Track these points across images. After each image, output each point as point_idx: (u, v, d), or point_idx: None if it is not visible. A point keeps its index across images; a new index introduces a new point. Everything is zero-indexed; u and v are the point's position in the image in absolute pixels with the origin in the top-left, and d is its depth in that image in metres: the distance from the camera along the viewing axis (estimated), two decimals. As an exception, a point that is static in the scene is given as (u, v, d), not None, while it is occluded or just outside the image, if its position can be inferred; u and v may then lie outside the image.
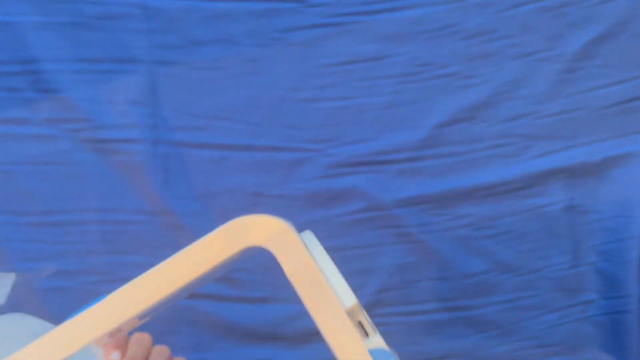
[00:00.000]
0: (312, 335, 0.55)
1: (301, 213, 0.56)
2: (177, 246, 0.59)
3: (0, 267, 0.54)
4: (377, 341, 0.28)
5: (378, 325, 0.56)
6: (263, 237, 0.27)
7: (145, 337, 0.36)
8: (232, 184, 0.56)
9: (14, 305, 0.53)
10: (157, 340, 0.38)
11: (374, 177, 0.57)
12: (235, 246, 0.27)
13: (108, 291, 0.49)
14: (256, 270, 0.55)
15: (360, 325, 0.29)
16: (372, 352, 0.25)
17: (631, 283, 0.56)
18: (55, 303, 0.54)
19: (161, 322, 0.54)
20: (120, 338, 0.34)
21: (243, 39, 0.57)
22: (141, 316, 0.30)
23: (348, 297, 0.29)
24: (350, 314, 0.28)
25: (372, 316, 0.55)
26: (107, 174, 0.55)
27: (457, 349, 0.55)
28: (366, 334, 0.28)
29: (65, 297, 0.54)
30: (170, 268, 0.28)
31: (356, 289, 0.56)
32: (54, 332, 0.27)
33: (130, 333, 0.35)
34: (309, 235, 0.31)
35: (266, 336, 0.55)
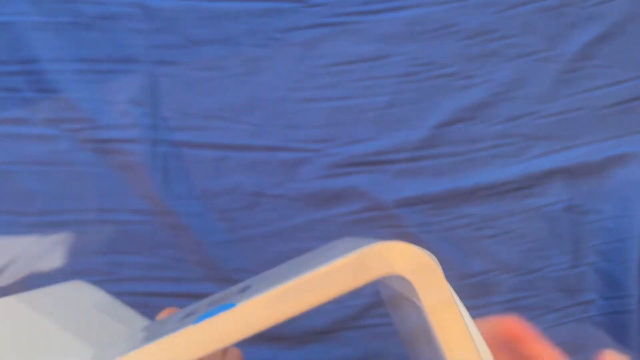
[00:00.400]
0: (312, 335, 0.55)
1: (301, 213, 0.56)
2: (177, 246, 0.59)
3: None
4: None
5: (378, 325, 0.56)
6: (404, 266, 0.25)
7: None
8: (232, 184, 0.56)
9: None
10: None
11: (374, 177, 0.57)
12: (372, 273, 0.25)
13: (109, 291, 0.49)
14: (256, 270, 0.55)
15: None
16: None
17: (631, 283, 0.56)
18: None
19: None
20: None
21: (243, 39, 0.57)
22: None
23: (482, 349, 0.27)
24: None
25: (371, 316, 0.56)
26: (107, 174, 0.55)
27: (457, 349, 0.55)
28: None
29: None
30: (302, 288, 0.26)
31: (356, 290, 0.56)
32: (179, 335, 0.25)
33: None
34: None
35: (266, 336, 0.55)
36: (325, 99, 0.57)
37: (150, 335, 0.28)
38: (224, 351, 0.37)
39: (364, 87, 0.57)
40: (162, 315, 0.38)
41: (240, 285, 0.34)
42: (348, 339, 0.56)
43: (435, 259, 0.25)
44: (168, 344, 0.25)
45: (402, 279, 0.25)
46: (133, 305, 0.47)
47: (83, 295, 0.45)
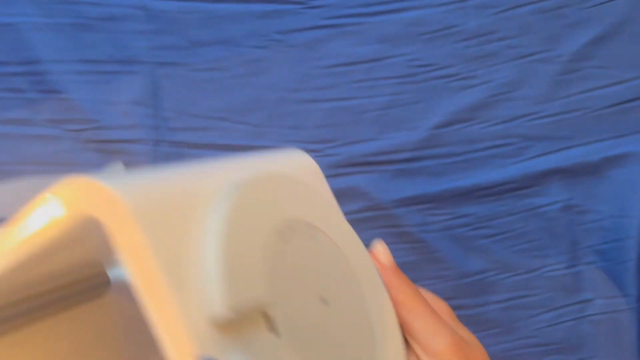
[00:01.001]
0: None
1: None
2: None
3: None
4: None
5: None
6: (89, 205, 0.19)
7: None
8: (233, 184, 0.56)
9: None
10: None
11: (374, 177, 0.57)
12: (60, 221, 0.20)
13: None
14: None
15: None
16: None
17: (629, 283, 0.56)
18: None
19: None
20: None
21: (244, 40, 0.57)
22: None
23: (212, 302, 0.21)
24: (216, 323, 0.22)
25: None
26: (109, 174, 0.56)
27: (456, 348, 0.55)
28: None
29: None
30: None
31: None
32: None
33: None
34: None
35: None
36: (326, 99, 0.57)
37: None
38: None
39: (364, 87, 0.57)
40: None
41: None
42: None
43: (124, 195, 0.20)
44: None
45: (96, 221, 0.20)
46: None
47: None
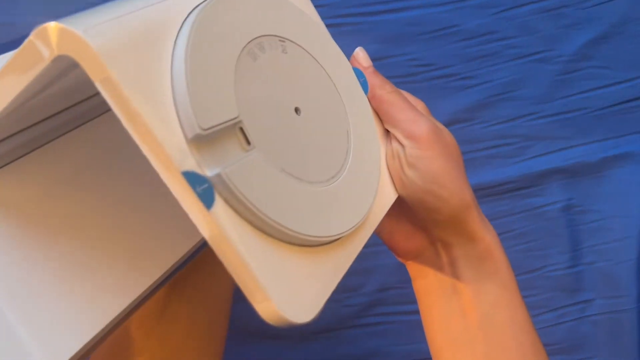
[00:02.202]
0: (313, 334, 0.55)
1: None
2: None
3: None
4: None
5: (378, 324, 0.56)
6: (62, 46, 0.21)
7: None
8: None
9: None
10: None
11: (374, 177, 0.57)
12: (39, 59, 0.22)
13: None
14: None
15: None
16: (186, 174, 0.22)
17: (630, 283, 0.56)
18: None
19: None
20: None
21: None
22: None
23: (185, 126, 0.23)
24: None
25: (372, 315, 0.56)
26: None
27: (457, 348, 0.55)
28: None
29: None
30: None
31: (356, 288, 0.56)
32: None
33: None
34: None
35: (268, 334, 0.55)
36: (326, 99, 0.57)
37: None
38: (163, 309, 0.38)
39: (364, 87, 0.57)
40: None
41: None
42: (348, 338, 0.56)
43: (87, 36, 0.21)
44: None
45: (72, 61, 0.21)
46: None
47: None
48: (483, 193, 0.57)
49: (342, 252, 0.29)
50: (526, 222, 0.57)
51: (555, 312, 0.57)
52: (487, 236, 0.34)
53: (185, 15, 0.25)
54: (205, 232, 0.23)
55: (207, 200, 0.22)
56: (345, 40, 0.58)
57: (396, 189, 0.34)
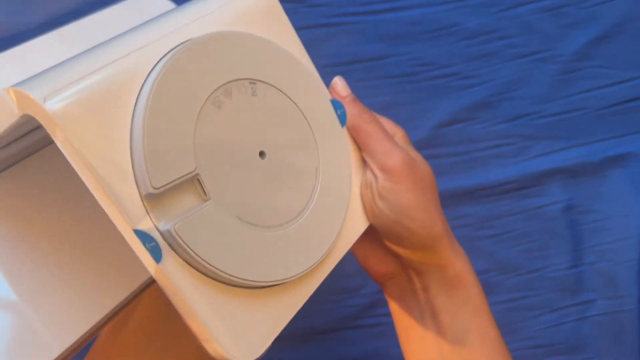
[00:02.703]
0: (312, 335, 0.55)
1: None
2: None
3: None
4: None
5: (377, 325, 0.56)
6: (23, 108, 0.23)
7: None
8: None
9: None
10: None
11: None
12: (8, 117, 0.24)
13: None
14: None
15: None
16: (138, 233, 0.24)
17: (631, 283, 0.56)
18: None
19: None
20: None
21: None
22: None
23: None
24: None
25: (371, 316, 0.56)
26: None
27: (457, 349, 0.55)
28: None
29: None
30: None
31: (355, 289, 0.56)
32: None
33: None
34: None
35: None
36: (326, 99, 0.57)
37: None
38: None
39: (364, 87, 0.57)
40: None
41: None
42: (348, 338, 0.56)
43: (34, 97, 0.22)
44: None
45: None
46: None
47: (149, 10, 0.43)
48: (483, 193, 0.56)
49: (296, 290, 0.30)
50: (527, 222, 0.57)
51: (556, 313, 0.57)
52: (457, 264, 0.36)
53: (151, 68, 0.26)
54: (157, 281, 0.25)
55: (156, 255, 0.24)
56: (345, 40, 0.58)
57: (368, 218, 0.35)
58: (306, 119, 0.32)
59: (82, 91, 0.23)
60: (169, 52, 0.26)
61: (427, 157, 0.58)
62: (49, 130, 0.23)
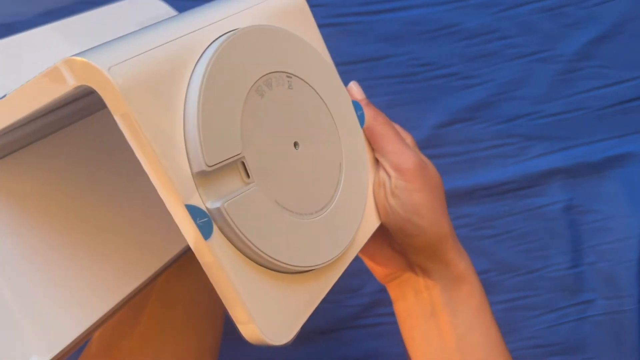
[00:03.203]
0: (313, 335, 0.55)
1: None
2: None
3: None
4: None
5: (377, 325, 0.56)
6: (85, 77, 0.23)
7: None
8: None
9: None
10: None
11: (374, 177, 0.57)
12: (63, 86, 0.24)
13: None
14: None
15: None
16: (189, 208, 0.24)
17: (631, 283, 0.56)
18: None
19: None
20: None
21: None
22: None
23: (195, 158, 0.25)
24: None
25: (371, 316, 0.56)
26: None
27: (457, 349, 0.55)
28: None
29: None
30: (8, 103, 0.26)
31: (356, 289, 0.56)
32: None
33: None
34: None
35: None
36: (326, 99, 0.57)
37: None
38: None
39: (364, 87, 0.57)
40: None
41: None
42: (348, 338, 0.56)
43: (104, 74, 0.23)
44: None
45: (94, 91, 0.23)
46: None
47: (144, 11, 0.45)
48: (483, 193, 0.57)
49: (322, 278, 0.31)
50: (527, 222, 0.57)
51: (557, 313, 0.57)
52: (461, 263, 0.37)
53: (201, 52, 0.27)
54: (201, 258, 0.25)
55: (205, 231, 0.25)
56: (346, 40, 0.58)
57: (379, 216, 0.36)
58: (332, 116, 0.34)
59: (144, 65, 0.24)
60: (217, 39, 0.28)
61: (427, 157, 0.58)
62: (108, 102, 0.23)
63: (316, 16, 0.57)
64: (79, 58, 0.23)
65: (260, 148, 0.28)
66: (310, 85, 0.32)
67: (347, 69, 0.57)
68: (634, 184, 0.57)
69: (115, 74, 0.23)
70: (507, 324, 0.56)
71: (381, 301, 0.56)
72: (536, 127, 0.57)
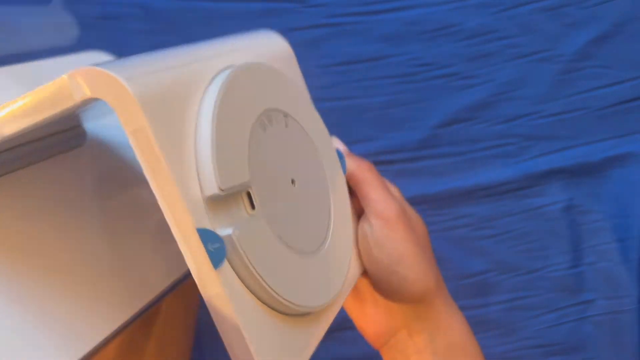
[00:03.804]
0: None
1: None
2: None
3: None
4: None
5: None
6: (99, 90, 0.22)
7: None
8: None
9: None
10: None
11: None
12: (71, 99, 0.22)
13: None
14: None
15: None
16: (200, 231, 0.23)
17: (631, 283, 0.56)
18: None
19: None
20: None
21: (243, 39, 0.57)
22: None
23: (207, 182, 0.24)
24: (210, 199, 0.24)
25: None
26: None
27: (457, 349, 0.55)
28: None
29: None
30: (12, 115, 0.24)
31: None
32: None
33: None
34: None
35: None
36: (326, 99, 0.57)
37: None
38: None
39: (364, 87, 0.57)
40: None
41: None
42: (348, 339, 0.56)
43: (125, 84, 0.22)
44: None
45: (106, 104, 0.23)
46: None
47: None
48: (483, 193, 0.56)
49: (317, 323, 0.30)
50: (527, 222, 0.57)
51: (556, 313, 0.57)
52: (455, 324, 0.35)
53: (209, 80, 0.27)
54: (207, 290, 0.23)
55: (216, 259, 0.23)
56: (346, 40, 0.58)
57: (363, 266, 0.35)
58: (321, 160, 0.34)
59: (160, 83, 0.23)
60: (225, 68, 0.28)
61: (427, 157, 0.58)
62: (122, 114, 0.22)
63: (316, 16, 0.57)
64: (94, 67, 0.22)
65: (263, 180, 0.27)
66: (302, 127, 0.32)
67: (347, 69, 0.57)
68: (634, 184, 0.57)
69: (133, 86, 0.22)
70: (507, 324, 0.56)
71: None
72: (536, 127, 0.57)
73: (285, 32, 0.59)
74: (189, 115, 0.25)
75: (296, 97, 0.33)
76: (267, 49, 0.34)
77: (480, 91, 0.57)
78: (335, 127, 0.57)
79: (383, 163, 0.57)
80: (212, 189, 0.24)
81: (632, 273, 0.56)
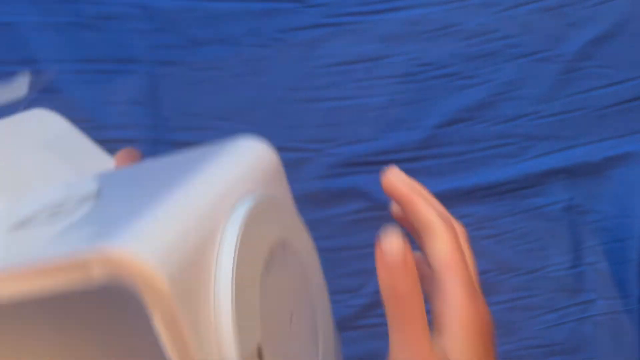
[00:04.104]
0: (312, 335, 0.55)
1: (302, 213, 0.56)
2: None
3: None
4: None
5: (378, 325, 0.56)
6: (129, 277, 0.19)
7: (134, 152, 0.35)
8: (233, 184, 0.56)
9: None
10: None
11: (374, 177, 0.56)
12: (91, 279, 0.19)
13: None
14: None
15: None
16: None
17: (631, 283, 0.56)
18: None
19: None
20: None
21: (243, 39, 0.57)
22: None
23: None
24: None
25: (372, 316, 0.56)
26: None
27: (457, 349, 0.55)
28: None
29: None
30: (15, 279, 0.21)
31: (356, 289, 0.56)
32: None
33: None
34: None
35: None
36: (326, 99, 0.57)
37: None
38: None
39: (364, 87, 0.57)
40: (119, 155, 0.37)
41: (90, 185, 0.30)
42: (348, 339, 0.56)
43: (162, 274, 0.19)
44: None
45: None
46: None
47: (39, 128, 0.41)
48: (483, 193, 0.56)
49: None
50: (527, 222, 0.57)
51: (557, 313, 0.56)
52: None
53: (218, 240, 0.24)
54: None
55: None
56: (346, 40, 0.58)
57: None
58: (310, 283, 0.32)
59: (182, 254, 0.21)
60: (228, 220, 0.25)
61: (427, 157, 0.58)
62: (149, 299, 0.19)
63: (316, 16, 0.57)
64: (119, 251, 0.19)
65: (270, 330, 0.26)
66: (296, 253, 0.31)
67: (346, 69, 0.57)
68: (634, 184, 0.57)
69: (163, 271, 0.19)
70: (507, 324, 0.56)
71: (381, 301, 0.56)
72: (537, 126, 0.57)
73: (285, 32, 0.59)
74: (209, 281, 0.23)
75: (290, 219, 0.32)
76: (260, 172, 0.31)
77: (480, 91, 0.57)
78: (335, 127, 0.57)
79: (383, 163, 0.56)
80: (233, 358, 0.23)
81: (632, 273, 0.56)
